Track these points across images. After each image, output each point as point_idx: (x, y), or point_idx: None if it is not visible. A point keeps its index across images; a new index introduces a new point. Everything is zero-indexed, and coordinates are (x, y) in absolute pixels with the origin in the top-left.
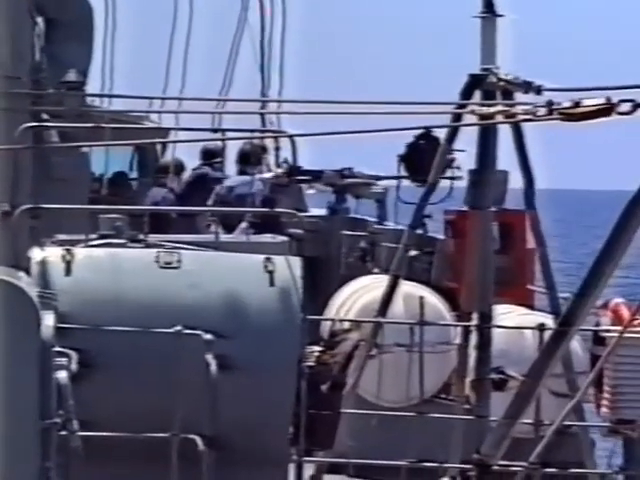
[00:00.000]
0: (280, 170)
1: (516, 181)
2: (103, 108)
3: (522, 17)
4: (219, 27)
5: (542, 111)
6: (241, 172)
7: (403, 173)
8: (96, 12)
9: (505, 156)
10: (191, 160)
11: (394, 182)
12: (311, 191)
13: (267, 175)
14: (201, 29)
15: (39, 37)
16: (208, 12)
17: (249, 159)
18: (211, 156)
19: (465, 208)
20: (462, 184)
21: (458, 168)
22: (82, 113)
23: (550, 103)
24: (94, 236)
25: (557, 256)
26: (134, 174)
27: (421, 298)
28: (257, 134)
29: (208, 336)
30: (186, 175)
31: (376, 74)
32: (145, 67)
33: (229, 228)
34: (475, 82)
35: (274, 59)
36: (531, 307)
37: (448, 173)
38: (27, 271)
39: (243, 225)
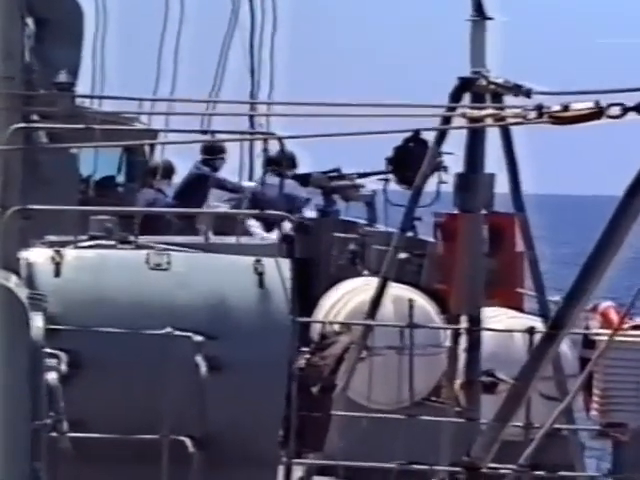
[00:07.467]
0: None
1: (501, 185)
2: (94, 109)
3: (512, 19)
4: (210, 28)
5: (532, 114)
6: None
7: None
8: (86, 13)
9: (491, 159)
10: (180, 161)
11: (382, 184)
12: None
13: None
14: (192, 30)
15: (29, 37)
16: (199, 13)
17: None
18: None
19: (455, 211)
20: (449, 187)
21: (445, 170)
22: (73, 114)
23: (540, 107)
24: (84, 237)
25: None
26: (122, 175)
27: (410, 301)
28: (247, 136)
29: (198, 337)
30: (185, 174)
31: (367, 76)
32: (135, 68)
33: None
34: (465, 85)
35: (264, 61)
36: (520, 310)
37: (435, 176)
38: (17, 273)
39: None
